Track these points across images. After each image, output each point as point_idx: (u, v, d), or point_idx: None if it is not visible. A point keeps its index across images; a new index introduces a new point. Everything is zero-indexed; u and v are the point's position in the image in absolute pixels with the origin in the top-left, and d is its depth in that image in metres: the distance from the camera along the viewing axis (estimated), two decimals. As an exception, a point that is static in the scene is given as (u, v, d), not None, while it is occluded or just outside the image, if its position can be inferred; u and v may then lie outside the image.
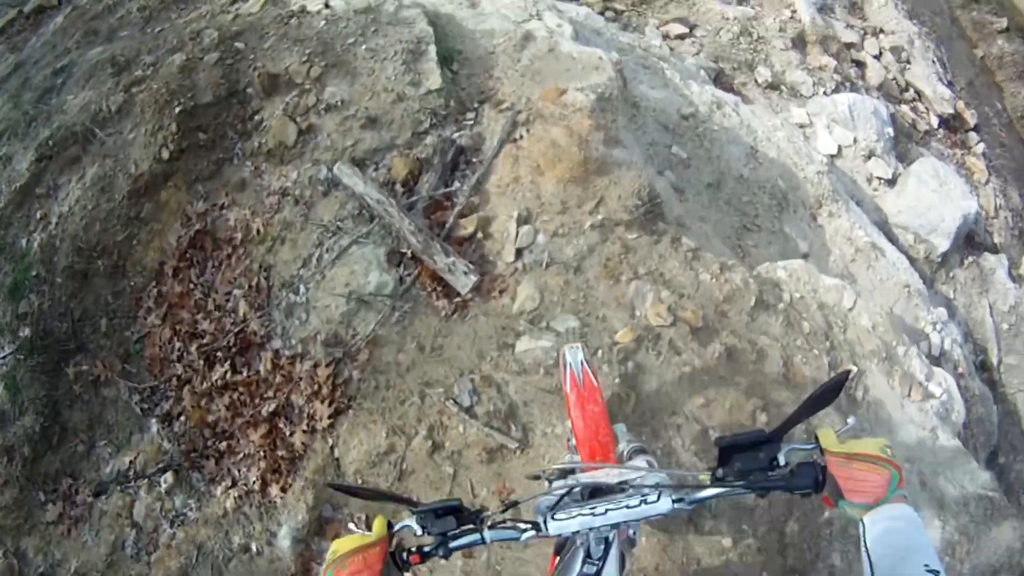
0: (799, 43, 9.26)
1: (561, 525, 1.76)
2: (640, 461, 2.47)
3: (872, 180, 8.17)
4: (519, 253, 4.81)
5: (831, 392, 1.67)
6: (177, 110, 5.80)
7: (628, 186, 5.13)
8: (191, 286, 5.48)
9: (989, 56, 11.34)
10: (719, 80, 8.27)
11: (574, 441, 2.69)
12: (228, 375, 5.10)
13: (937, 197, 7.58)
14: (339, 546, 1.77)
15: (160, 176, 5.86)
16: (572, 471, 2.04)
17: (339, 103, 5.63)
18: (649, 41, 7.93)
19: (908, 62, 10.02)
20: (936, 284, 7.81)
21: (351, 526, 2.04)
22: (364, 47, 5.79)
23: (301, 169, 5.61)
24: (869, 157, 8.08)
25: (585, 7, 7.49)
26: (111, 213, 5.90)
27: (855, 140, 8.27)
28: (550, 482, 2.02)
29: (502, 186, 5.05)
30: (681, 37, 8.74)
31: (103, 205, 5.91)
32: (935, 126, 9.14)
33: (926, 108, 9.39)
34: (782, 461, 1.69)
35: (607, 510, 1.74)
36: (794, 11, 9.58)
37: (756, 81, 8.79)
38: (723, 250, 5.67)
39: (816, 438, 1.70)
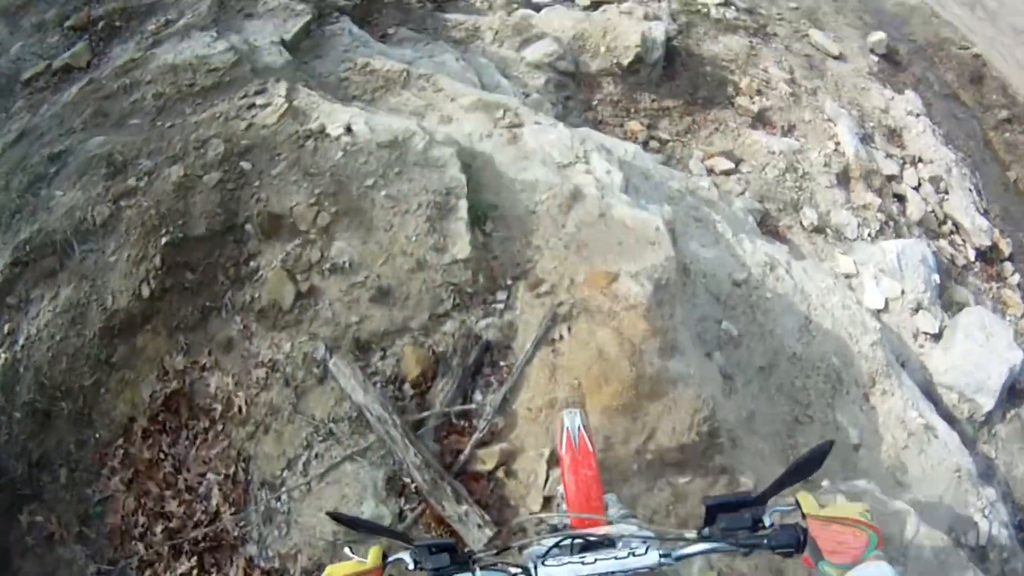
0: (843, 179, 8.14)
1: (551, 572, 1.64)
2: (630, 524, 2.09)
3: (918, 336, 7.11)
4: (547, 502, 3.83)
5: (815, 462, 1.59)
6: (164, 240, 4.67)
7: (685, 414, 4.11)
8: (161, 455, 4.53)
9: (1022, 179, 10.25)
10: (765, 223, 7.39)
11: (564, 506, 2.50)
12: (195, 573, 4.27)
13: (983, 352, 6.73)
14: (333, 571, 1.65)
15: (138, 316, 4.70)
16: (563, 526, 2.05)
17: (347, 264, 4.37)
18: (697, 182, 6.73)
19: (946, 192, 8.94)
20: (978, 444, 6.78)
21: (347, 551, 1.76)
22: (384, 193, 4.47)
23: (296, 341, 4.47)
24: (916, 310, 7.15)
25: (632, 144, 5.96)
26: (80, 351, 4.75)
27: (903, 292, 7.23)
28: (538, 534, 1.99)
29: (533, 409, 4.05)
30: (727, 173, 7.69)
31: (72, 339, 4.77)
32: (972, 259, 8.31)
33: (963, 240, 8.47)
34: (767, 522, 1.61)
35: (596, 560, 1.64)
36: (838, 143, 8.46)
37: (802, 224, 7.65)
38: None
39: (797, 501, 1.61)
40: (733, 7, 9.77)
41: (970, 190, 9.16)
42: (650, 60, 8.11)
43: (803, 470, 1.61)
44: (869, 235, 7.84)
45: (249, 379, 4.46)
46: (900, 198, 8.56)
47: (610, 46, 8.06)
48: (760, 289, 5.87)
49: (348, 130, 4.89)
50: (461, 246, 4.40)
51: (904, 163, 8.95)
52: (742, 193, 7.58)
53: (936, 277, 7.44)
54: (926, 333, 7.11)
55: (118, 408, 4.69)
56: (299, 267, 4.54)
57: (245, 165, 4.94)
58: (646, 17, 8.51)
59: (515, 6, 8.78)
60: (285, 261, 4.55)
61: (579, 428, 2.62)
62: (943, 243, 8.46)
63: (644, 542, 1.69)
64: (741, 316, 5.64)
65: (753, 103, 8.41)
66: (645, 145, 7.64)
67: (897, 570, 1.47)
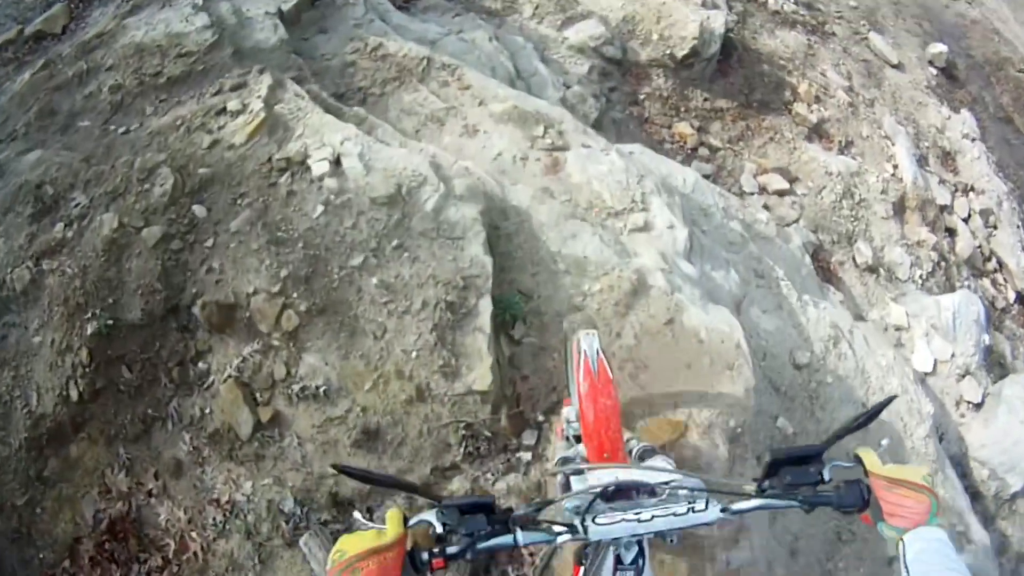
0: (899, 208, 6.56)
1: (604, 530, 1.32)
2: (658, 460, 1.75)
3: (960, 404, 5.73)
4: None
5: (875, 414, 1.38)
6: (91, 330, 3.24)
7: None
8: (112, 589, 3.26)
9: (1072, 217, 8.82)
10: (817, 256, 5.90)
11: (576, 430, 2.04)
12: None
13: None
14: (347, 545, 1.19)
15: (68, 423, 3.33)
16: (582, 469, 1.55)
17: (322, 390, 3.09)
18: (754, 214, 5.37)
19: (995, 227, 7.44)
20: (997, 520, 5.58)
21: (357, 515, 1.33)
22: (376, 279, 2.87)
23: (257, 483, 3.06)
24: (963, 376, 5.79)
25: (692, 171, 4.35)
26: (6, 464, 3.40)
27: (952, 355, 5.82)
28: (567, 476, 1.59)
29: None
30: (781, 193, 6.14)
31: (-4, 447, 3.52)
32: (1012, 301, 6.99)
33: (1005, 280, 7.15)
34: (827, 477, 1.37)
35: (653, 516, 1.32)
36: (895, 166, 6.83)
37: (855, 260, 6.11)
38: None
39: (858, 458, 1.38)
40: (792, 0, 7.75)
41: (1018, 226, 7.70)
42: (706, 54, 6.22)
43: (863, 423, 1.36)
44: (921, 276, 6.42)
45: (204, 518, 3.12)
46: (950, 231, 7.03)
47: (663, 34, 6.13)
48: (821, 372, 4.41)
49: (336, 163, 3.11)
50: (480, 372, 2.74)
51: (956, 191, 7.39)
52: (796, 220, 6.09)
53: (987, 337, 6.20)
54: (969, 402, 5.84)
55: (59, 527, 3.37)
56: (258, 383, 3.04)
57: (198, 211, 3.47)
58: (703, 4, 6.46)
59: None
60: (241, 372, 2.99)
61: (597, 352, 2.03)
62: (985, 282, 7.12)
63: (705, 496, 1.33)
64: (799, 409, 4.20)
65: (811, 112, 6.64)
66: (695, 152, 6.11)
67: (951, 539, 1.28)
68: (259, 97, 3.74)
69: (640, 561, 1.41)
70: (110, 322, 3.15)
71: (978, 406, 5.76)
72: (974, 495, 5.28)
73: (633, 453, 2.13)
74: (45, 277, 3.35)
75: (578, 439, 2.08)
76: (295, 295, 2.92)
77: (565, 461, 1.85)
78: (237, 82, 3.93)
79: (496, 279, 3.00)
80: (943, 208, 7.07)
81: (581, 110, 5.45)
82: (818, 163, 6.42)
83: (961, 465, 5.35)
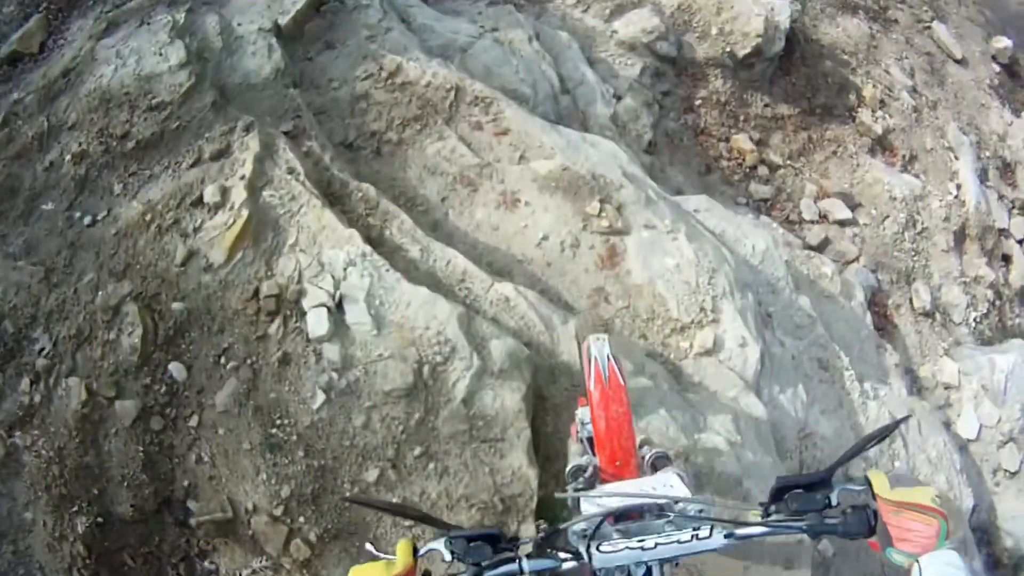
0: (959, 238, 5.60)
1: (608, 558, 1.22)
2: (669, 474, 1.46)
3: (998, 472, 5.05)
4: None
5: (885, 434, 1.27)
6: (81, 525, 2.55)
7: None
8: None
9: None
10: (875, 301, 5.04)
11: (587, 434, 1.87)
12: None
13: (1058, 506, 4.95)
14: (358, 575, 1.14)
15: None
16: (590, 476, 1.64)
17: None
18: (819, 267, 4.45)
19: None
20: None
21: (369, 547, 1.23)
22: (396, 499, 1.74)
23: None
24: (1005, 443, 5.10)
25: (763, 234, 3.91)
26: None
27: (999, 420, 5.08)
28: (577, 490, 1.51)
29: None
30: (842, 224, 5.14)
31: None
32: None
33: None
34: (834, 501, 1.22)
35: (657, 544, 1.22)
36: (959, 185, 5.83)
37: (912, 303, 5.20)
38: None
39: (868, 480, 1.23)
40: None
41: (1078, 249, 7.00)
42: (769, 52, 5.12)
43: (871, 443, 1.25)
44: (975, 319, 5.57)
45: None
46: (1006, 258, 6.13)
47: (723, 28, 5.00)
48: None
49: (338, 307, 2.13)
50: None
51: (1013, 208, 6.39)
52: (857, 259, 5.12)
53: (1034, 399, 5.58)
54: (1006, 470, 5.18)
55: None
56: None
57: (176, 371, 2.66)
58: None
59: None
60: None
61: (608, 357, 1.83)
62: (1036, 317, 6.32)
63: (706, 519, 1.24)
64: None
65: (876, 120, 5.61)
66: (753, 171, 5.05)
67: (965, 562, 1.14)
68: (243, 178, 2.72)
69: None
70: (100, 519, 2.51)
71: (1014, 474, 5.04)
72: (994, 563, 4.75)
73: (646, 460, 1.91)
74: (21, 453, 2.52)
75: (591, 441, 1.87)
76: (302, 519, 2.07)
77: (578, 469, 1.70)
78: (218, 148, 2.87)
79: (541, 477, 2.14)
80: (1001, 232, 6.14)
81: (634, 130, 4.38)
82: (882, 186, 5.39)
83: (987, 533, 4.72)
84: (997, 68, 7.12)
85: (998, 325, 5.72)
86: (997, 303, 5.69)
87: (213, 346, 2.59)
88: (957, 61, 6.88)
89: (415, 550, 1.18)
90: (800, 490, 1.21)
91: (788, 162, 5.19)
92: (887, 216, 5.34)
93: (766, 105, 5.31)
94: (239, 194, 2.86)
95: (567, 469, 1.75)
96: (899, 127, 5.86)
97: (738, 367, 2.92)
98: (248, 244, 2.77)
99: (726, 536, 1.22)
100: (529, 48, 4.27)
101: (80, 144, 3.10)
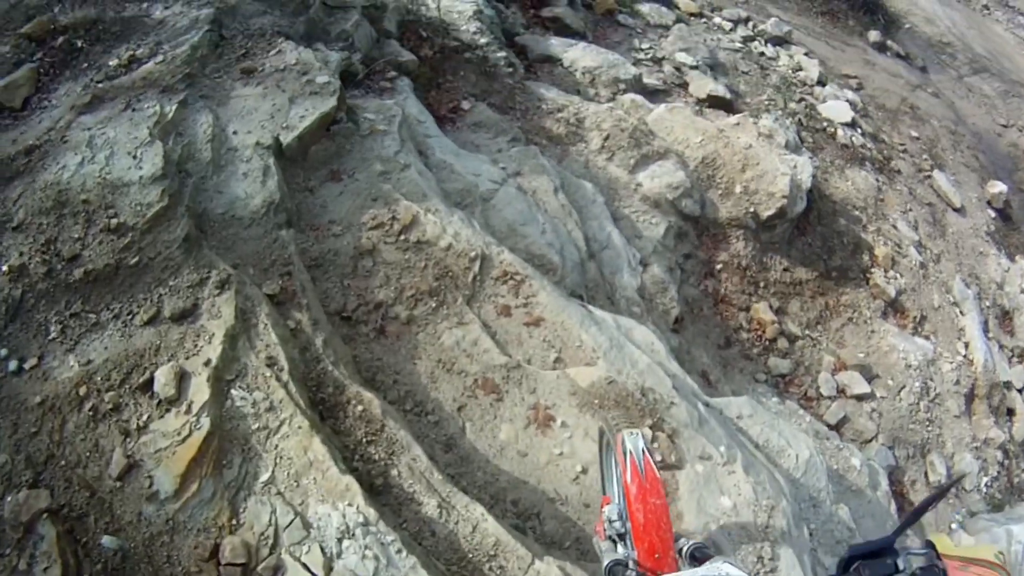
0: (969, 398, 4.89)
1: None
2: (719, 563, 1.16)
3: None
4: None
5: (943, 492, 1.14)
6: None
7: None
8: None
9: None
10: (892, 481, 4.10)
11: (615, 532, 1.57)
12: None
13: None
14: None
15: None
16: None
17: None
18: (848, 458, 3.64)
19: None
20: None
21: None
22: None
23: None
24: None
25: (805, 442, 3.00)
26: None
27: None
28: None
29: None
30: (860, 399, 4.31)
31: None
32: None
33: None
34: (901, 566, 1.06)
35: None
36: (967, 343, 5.19)
37: (927, 477, 4.39)
38: None
39: (930, 543, 1.10)
40: (859, 130, 6.05)
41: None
42: (792, 213, 4.37)
43: (924, 507, 1.10)
44: (986, 484, 4.85)
45: None
46: (1010, 412, 5.38)
47: (748, 187, 4.24)
48: None
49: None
50: None
51: (1012, 357, 5.75)
52: (875, 437, 4.32)
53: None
54: None
55: None
56: None
57: None
58: (786, 146, 4.59)
59: (622, 87, 4.83)
60: None
61: (643, 451, 1.63)
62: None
63: None
64: None
65: (888, 281, 4.87)
66: (773, 344, 4.19)
67: None
68: (208, 364, 1.83)
69: None
70: None
71: (1032, 659, 4.25)
72: None
73: (684, 552, 1.65)
74: None
75: (620, 538, 1.57)
76: None
77: (617, 564, 1.38)
78: (182, 305, 1.97)
79: None
80: (1005, 384, 5.38)
81: (661, 304, 3.52)
82: (897, 354, 4.58)
83: None
84: (992, 213, 6.50)
85: (1007, 486, 4.90)
86: (1005, 463, 4.88)
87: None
88: (956, 210, 6.23)
89: None
90: (867, 559, 1.03)
91: (806, 332, 4.35)
92: (903, 386, 4.52)
93: (785, 269, 4.50)
94: (200, 390, 1.92)
95: (604, 565, 1.44)
96: (909, 287, 5.11)
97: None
98: (208, 471, 1.84)
99: None
100: (555, 202, 3.44)
101: (21, 255, 2.13)
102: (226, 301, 2.03)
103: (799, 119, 5.69)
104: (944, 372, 4.83)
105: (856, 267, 4.90)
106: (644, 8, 6.24)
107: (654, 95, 5.29)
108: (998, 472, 4.83)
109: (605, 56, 5.12)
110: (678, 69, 5.67)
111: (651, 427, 2.19)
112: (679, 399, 2.33)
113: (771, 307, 4.23)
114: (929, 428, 4.55)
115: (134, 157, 2.32)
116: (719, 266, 4.20)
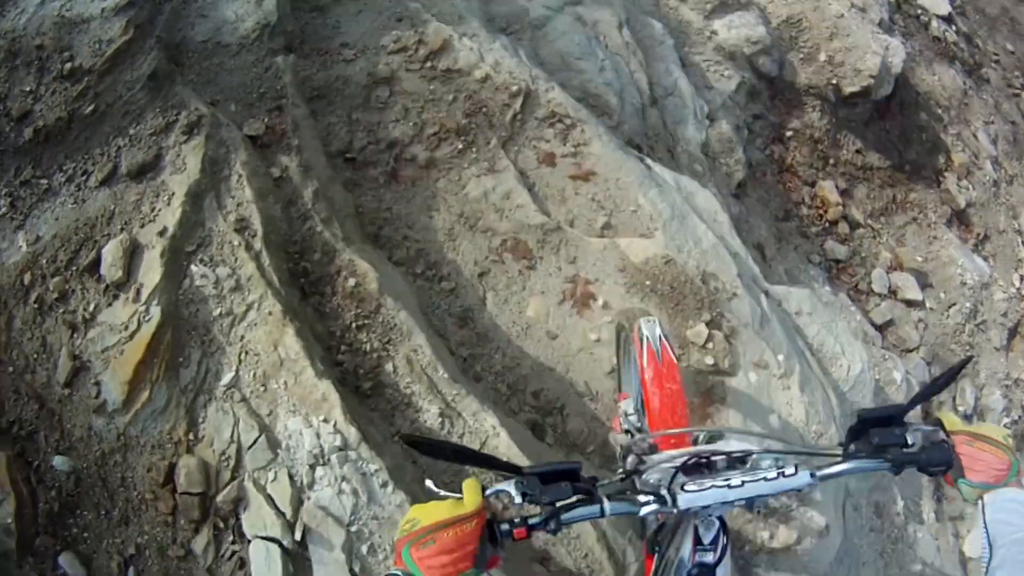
0: (1011, 335, 4.38)
1: (693, 497, 0.93)
2: (733, 439, 1.09)
3: None
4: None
5: (952, 376, 1.06)
6: None
7: None
8: None
9: None
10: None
11: (633, 423, 1.49)
12: None
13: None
14: (421, 514, 0.80)
15: None
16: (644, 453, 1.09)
17: None
18: (891, 373, 3.25)
19: None
20: None
21: (429, 484, 0.86)
22: None
23: None
24: None
25: (862, 346, 2.46)
26: None
27: None
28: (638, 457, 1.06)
29: None
30: (909, 304, 3.87)
31: None
32: None
33: None
34: (911, 441, 1.00)
35: (744, 482, 0.94)
36: (1022, 276, 4.63)
37: (955, 403, 3.95)
38: None
39: (938, 421, 1.03)
40: (954, 27, 5.30)
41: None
42: (877, 95, 3.75)
43: (940, 385, 1.06)
44: (1007, 425, 4.33)
45: None
46: None
47: (833, 57, 3.58)
48: None
49: (300, 544, 1.08)
50: None
51: None
52: (917, 348, 3.89)
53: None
54: None
55: None
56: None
57: (68, 567, 1.38)
58: (879, 25, 3.86)
59: None
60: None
61: (660, 338, 1.53)
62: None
63: (794, 461, 0.97)
64: None
65: (960, 190, 4.32)
66: (832, 227, 3.71)
67: None
68: (163, 233, 1.41)
69: (723, 538, 1.01)
70: None
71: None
72: None
73: (700, 440, 1.27)
74: None
75: (637, 430, 1.47)
76: None
77: (629, 450, 1.11)
78: (142, 156, 1.50)
79: None
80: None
81: (725, 165, 2.98)
82: (955, 267, 4.09)
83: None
84: (1077, 146, 5.81)
85: (1026, 434, 4.65)
86: (1025, 412, 4.60)
87: (114, 542, 1.32)
88: (1038, 134, 5.53)
89: (483, 489, 0.82)
90: (879, 426, 0.97)
91: (868, 221, 3.83)
92: (954, 303, 4.06)
93: (858, 151, 3.90)
94: (152, 269, 1.47)
95: (619, 452, 1.26)
96: (979, 201, 4.53)
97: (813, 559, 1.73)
98: (159, 375, 1.42)
99: (811, 475, 0.94)
100: (618, 37, 2.80)
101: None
102: (193, 149, 1.54)
103: (896, 2, 4.84)
104: (995, 299, 4.38)
105: (930, 167, 4.30)
106: None
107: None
108: (1020, 415, 4.52)
109: None
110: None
111: (707, 323, 1.75)
112: (742, 290, 1.88)
113: (837, 187, 3.72)
114: (968, 352, 4.18)
115: None
116: (789, 133, 3.62)
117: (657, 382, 1.49)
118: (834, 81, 3.70)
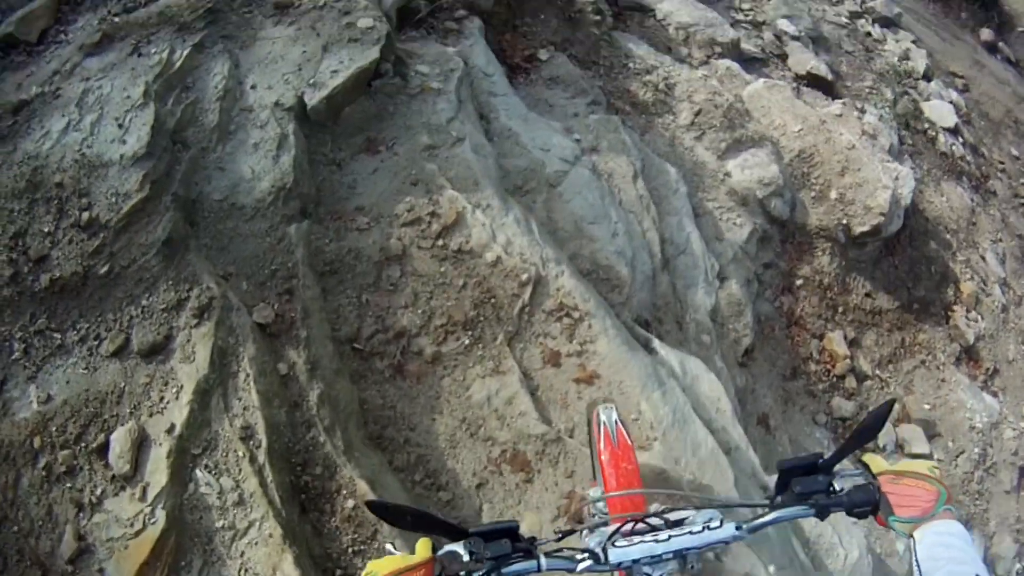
0: (1021, 476, 4.16)
1: (622, 553, 0.99)
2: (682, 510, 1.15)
3: None
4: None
5: (877, 424, 1.03)
6: None
7: None
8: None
9: None
10: None
11: (599, 511, 1.48)
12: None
13: None
14: (377, 567, 0.90)
15: None
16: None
17: None
18: (894, 543, 3.15)
19: None
20: None
21: (388, 547, 1.03)
22: None
23: None
24: None
25: (859, 533, 2.08)
26: None
27: None
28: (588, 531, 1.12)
29: None
30: (917, 458, 3.45)
31: None
32: None
33: None
34: (838, 487, 1.03)
35: (670, 536, 1.00)
36: None
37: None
38: None
39: (864, 464, 1.05)
40: (960, 138, 5.34)
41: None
42: (886, 233, 3.74)
43: (865, 434, 1.03)
44: (1018, 571, 4.25)
45: None
46: None
47: (845, 196, 3.57)
48: None
49: None
50: None
51: None
52: None
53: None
54: None
55: None
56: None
57: None
58: (888, 151, 3.87)
59: (718, 51, 4.03)
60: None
61: (616, 422, 1.63)
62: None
63: (720, 515, 1.01)
64: None
65: (968, 324, 4.28)
66: (840, 381, 3.61)
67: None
68: (170, 431, 1.39)
69: None
70: None
71: None
72: None
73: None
74: None
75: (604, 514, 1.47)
76: None
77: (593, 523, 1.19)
78: (152, 337, 1.48)
79: None
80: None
81: (733, 331, 2.91)
82: (963, 412, 3.98)
83: None
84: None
85: (1039, 579, 4.46)
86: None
87: None
88: (1043, 248, 5.48)
89: (434, 547, 0.93)
90: (802, 475, 0.99)
91: (876, 372, 3.73)
92: (962, 451, 3.93)
93: (867, 294, 3.83)
94: (159, 468, 1.44)
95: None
96: (988, 332, 4.44)
97: None
98: None
99: (737, 527, 0.98)
100: (632, 191, 2.78)
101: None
102: (203, 337, 1.50)
103: (905, 120, 4.85)
104: (1005, 439, 4.25)
105: (939, 301, 4.23)
106: (752, -38, 5.25)
107: (750, 63, 4.47)
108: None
109: (703, 13, 4.27)
110: (778, 37, 4.81)
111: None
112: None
113: (845, 338, 3.63)
114: (978, 502, 4.01)
115: (120, 125, 1.74)
116: (799, 281, 3.56)
117: (613, 463, 1.54)
118: (844, 221, 3.67)
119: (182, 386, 1.47)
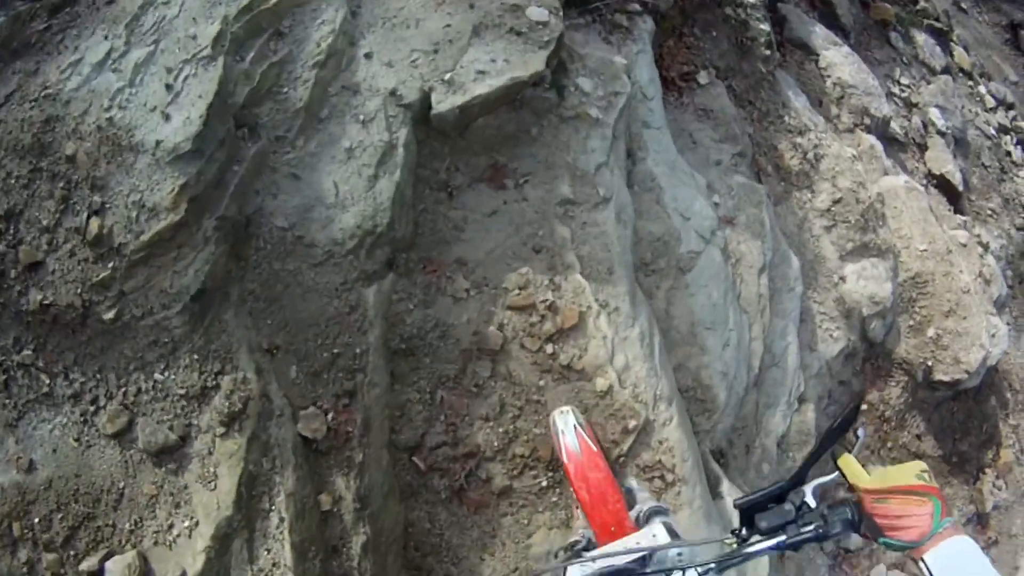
0: None
1: None
2: (656, 525, 1.15)
3: None
4: None
5: (847, 422, 0.92)
6: None
7: None
8: None
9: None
10: None
11: (581, 517, 1.48)
12: None
13: None
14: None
15: None
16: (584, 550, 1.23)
17: None
18: None
19: None
20: None
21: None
22: None
23: None
24: None
25: None
26: None
27: None
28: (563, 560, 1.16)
29: None
30: None
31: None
32: None
33: None
34: (811, 503, 0.92)
35: None
36: None
37: None
38: None
39: (839, 469, 0.92)
40: None
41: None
42: (963, 387, 3.30)
43: (835, 435, 0.92)
44: None
45: None
46: None
47: (941, 340, 3.21)
48: None
49: None
50: None
51: None
52: None
53: None
54: None
55: None
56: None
57: None
58: (996, 302, 3.52)
59: (866, 123, 3.56)
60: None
61: (575, 427, 1.40)
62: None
63: (679, 559, 0.96)
64: None
65: (992, 491, 4.11)
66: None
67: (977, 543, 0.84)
68: None
69: None
70: None
71: None
72: None
73: (641, 517, 1.37)
74: None
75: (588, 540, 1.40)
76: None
77: (571, 545, 1.28)
78: (163, 436, 1.13)
79: None
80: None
81: (791, 459, 2.60)
82: None
83: None
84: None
85: None
86: None
87: None
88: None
89: None
90: (763, 510, 0.89)
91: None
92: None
93: (917, 436, 3.52)
94: None
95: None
96: (1004, 505, 4.21)
97: None
98: None
99: (703, 574, 0.92)
100: (754, 287, 2.35)
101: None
102: (230, 457, 1.09)
103: (1015, 258, 4.41)
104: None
105: (976, 460, 3.95)
106: (919, 38, 4.63)
107: (890, 144, 3.95)
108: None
109: (864, 77, 3.70)
110: (925, 126, 4.28)
111: None
112: None
113: (883, 479, 3.33)
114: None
115: (169, 87, 1.22)
116: (864, 407, 3.23)
117: (581, 476, 1.36)
118: (930, 363, 3.30)
119: (198, 522, 1.08)
